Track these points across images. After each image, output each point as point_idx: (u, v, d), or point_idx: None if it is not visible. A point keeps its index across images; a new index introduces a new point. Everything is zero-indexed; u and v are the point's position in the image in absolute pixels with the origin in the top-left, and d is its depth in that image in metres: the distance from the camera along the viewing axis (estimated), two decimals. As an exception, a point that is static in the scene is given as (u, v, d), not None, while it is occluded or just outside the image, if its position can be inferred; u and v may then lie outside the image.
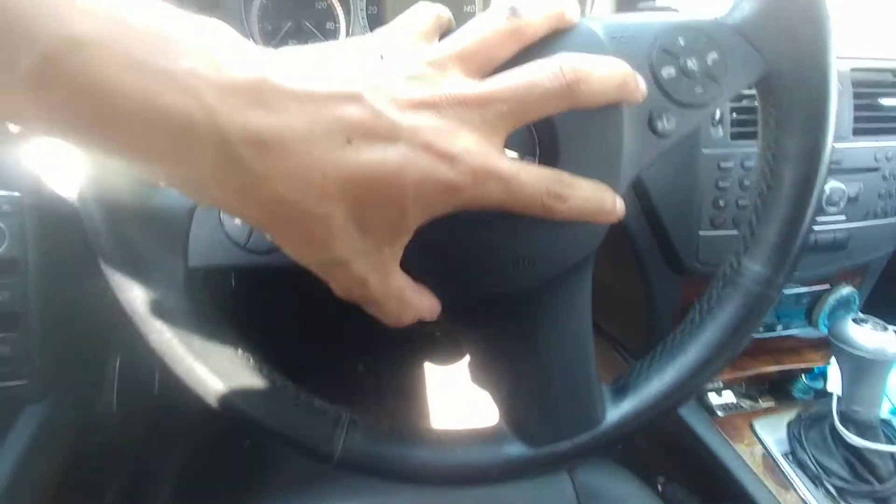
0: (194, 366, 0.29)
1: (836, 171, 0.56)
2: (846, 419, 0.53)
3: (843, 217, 0.57)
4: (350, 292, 0.25)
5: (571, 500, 0.53)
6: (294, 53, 0.22)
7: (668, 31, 0.29)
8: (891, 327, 0.52)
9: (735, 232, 0.53)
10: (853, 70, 0.58)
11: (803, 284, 0.64)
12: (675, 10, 0.56)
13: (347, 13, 0.55)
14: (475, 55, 0.23)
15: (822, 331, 0.65)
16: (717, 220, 0.53)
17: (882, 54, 0.62)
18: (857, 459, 0.53)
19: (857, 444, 0.52)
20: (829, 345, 0.55)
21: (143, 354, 0.28)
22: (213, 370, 0.29)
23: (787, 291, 0.64)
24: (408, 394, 1.09)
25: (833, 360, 0.57)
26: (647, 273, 0.57)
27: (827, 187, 0.55)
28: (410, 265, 0.25)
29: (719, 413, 0.64)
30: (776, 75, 0.30)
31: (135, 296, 0.28)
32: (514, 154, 0.26)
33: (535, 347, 0.30)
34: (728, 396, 0.67)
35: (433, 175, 0.22)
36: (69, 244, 0.46)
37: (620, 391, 0.33)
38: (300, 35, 0.55)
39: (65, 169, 0.42)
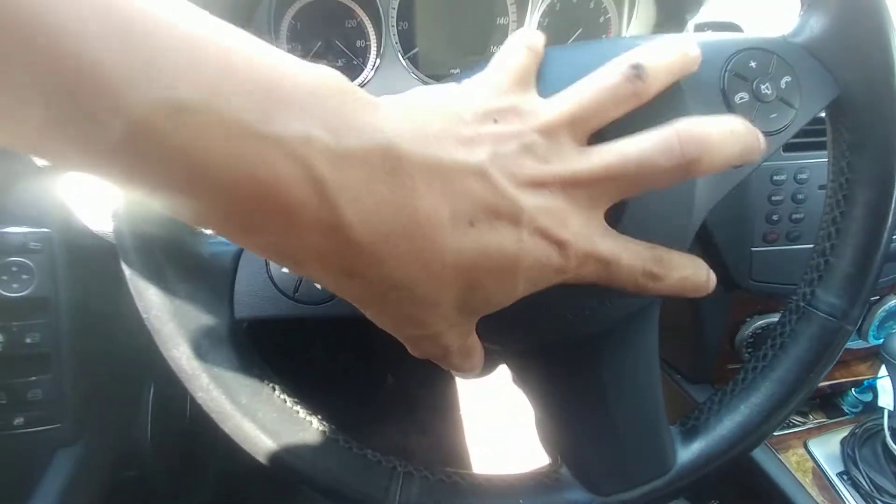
0: (243, 423, 0.28)
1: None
2: (898, 435, 0.52)
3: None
4: (428, 356, 0.24)
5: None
6: (410, 106, 0.20)
7: (738, 54, 0.27)
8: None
9: (789, 247, 0.51)
10: None
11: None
12: (739, 28, 0.54)
13: (378, 30, 0.53)
14: (587, 121, 0.22)
15: (872, 342, 0.64)
16: (770, 236, 0.51)
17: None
18: (909, 476, 0.52)
19: (909, 461, 0.51)
20: (881, 359, 0.53)
21: (176, 384, 0.27)
22: (262, 428, 0.28)
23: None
24: (439, 406, 1.07)
25: (884, 372, 0.56)
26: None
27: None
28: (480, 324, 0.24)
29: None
30: (848, 96, 0.29)
31: (181, 353, 0.27)
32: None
33: (603, 392, 0.29)
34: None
35: (545, 261, 0.21)
36: (98, 277, 0.44)
37: (690, 433, 0.31)
38: (330, 53, 0.54)
39: (97, 206, 0.40)
